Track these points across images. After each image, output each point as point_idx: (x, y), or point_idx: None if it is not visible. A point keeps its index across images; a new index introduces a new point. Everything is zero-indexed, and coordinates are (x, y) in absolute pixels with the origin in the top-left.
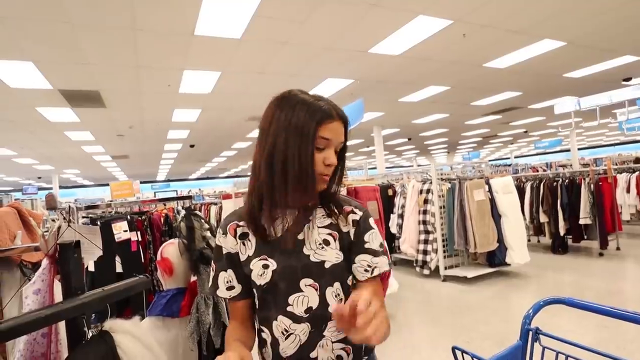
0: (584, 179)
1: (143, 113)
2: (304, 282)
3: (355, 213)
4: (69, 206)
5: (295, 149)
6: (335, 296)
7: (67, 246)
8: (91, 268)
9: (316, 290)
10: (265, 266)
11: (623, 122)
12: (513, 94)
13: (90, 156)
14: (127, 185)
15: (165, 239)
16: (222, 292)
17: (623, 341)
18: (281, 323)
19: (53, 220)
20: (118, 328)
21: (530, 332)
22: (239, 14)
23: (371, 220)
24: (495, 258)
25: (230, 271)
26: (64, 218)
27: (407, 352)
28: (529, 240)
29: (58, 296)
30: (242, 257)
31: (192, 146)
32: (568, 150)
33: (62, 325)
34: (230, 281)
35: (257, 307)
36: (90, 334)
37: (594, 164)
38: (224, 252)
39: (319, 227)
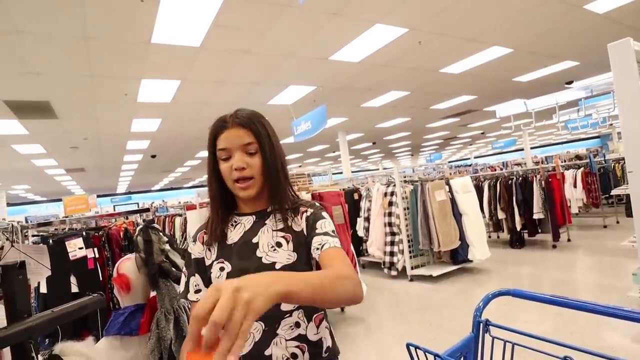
0: (536, 176)
1: (99, 123)
2: None
3: (307, 211)
4: (12, 225)
5: (209, 167)
6: None
7: (10, 267)
8: (43, 289)
9: None
10: (222, 269)
11: (562, 122)
12: (468, 98)
13: (42, 170)
14: (82, 199)
15: (125, 254)
16: (192, 296)
17: (576, 327)
18: None
19: None
20: (70, 351)
21: (481, 324)
22: (197, 22)
23: (324, 213)
24: (459, 255)
25: (197, 276)
26: (7, 238)
27: (378, 352)
28: (489, 237)
29: (2, 321)
30: (207, 262)
31: (153, 156)
32: (522, 149)
33: (7, 351)
34: (197, 285)
35: None
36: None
37: (545, 162)
38: (192, 258)
39: (273, 231)
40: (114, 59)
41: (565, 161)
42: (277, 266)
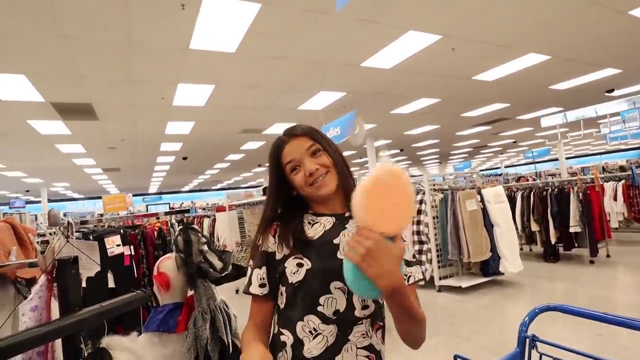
0: (573, 187)
1: (136, 125)
2: (334, 285)
3: None
4: (68, 222)
5: (273, 183)
6: (362, 301)
7: (65, 262)
8: (82, 284)
9: (344, 293)
10: (300, 265)
11: (606, 134)
12: (501, 106)
13: (81, 169)
14: (120, 198)
15: (158, 252)
16: (254, 289)
17: (617, 348)
18: (309, 322)
19: (51, 234)
20: (116, 345)
21: (527, 340)
22: (233, 29)
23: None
24: (489, 267)
25: (264, 268)
26: (63, 234)
27: None
28: (521, 249)
29: (55, 313)
30: (279, 256)
31: (184, 158)
32: (556, 160)
33: (58, 342)
34: (263, 278)
35: (282, 307)
36: (87, 352)
37: (581, 173)
38: (261, 251)
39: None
40: (154, 64)
41: (604, 171)
42: None
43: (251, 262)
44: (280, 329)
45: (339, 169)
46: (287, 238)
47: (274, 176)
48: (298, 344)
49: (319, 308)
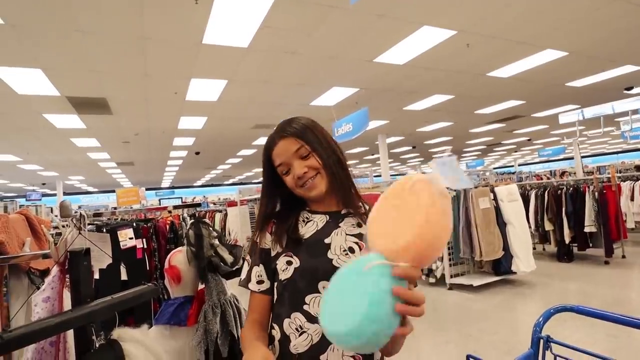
0: (588, 187)
1: (149, 120)
2: (322, 285)
3: None
4: (80, 213)
5: (265, 182)
6: None
7: (77, 254)
8: (96, 275)
9: None
10: (289, 262)
11: (627, 131)
12: (516, 103)
13: (96, 163)
14: (133, 192)
15: (170, 246)
16: (252, 285)
17: (633, 351)
18: (295, 320)
19: (63, 227)
20: (127, 337)
21: (542, 341)
22: (246, 23)
23: None
24: (501, 266)
25: (261, 266)
26: (75, 226)
27: None
28: (534, 249)
29: (67, 304)
30: (273, 253)
31: (197, 153)
32: (571, 158)
33: (70, 333)
34: (260, 275)
35: (274, 303)
36: (98, 343)
37: (597, 172)
38: (259, 248)
39: (347, 235)
40: (167, 58)
41: (620, 172)
42: None
43: (248, 257)
44: (272, 324)
45: (330, 170)
46: (281, 236)
47: (266, 175)
48: (285, 340)
49: (305, 307)
